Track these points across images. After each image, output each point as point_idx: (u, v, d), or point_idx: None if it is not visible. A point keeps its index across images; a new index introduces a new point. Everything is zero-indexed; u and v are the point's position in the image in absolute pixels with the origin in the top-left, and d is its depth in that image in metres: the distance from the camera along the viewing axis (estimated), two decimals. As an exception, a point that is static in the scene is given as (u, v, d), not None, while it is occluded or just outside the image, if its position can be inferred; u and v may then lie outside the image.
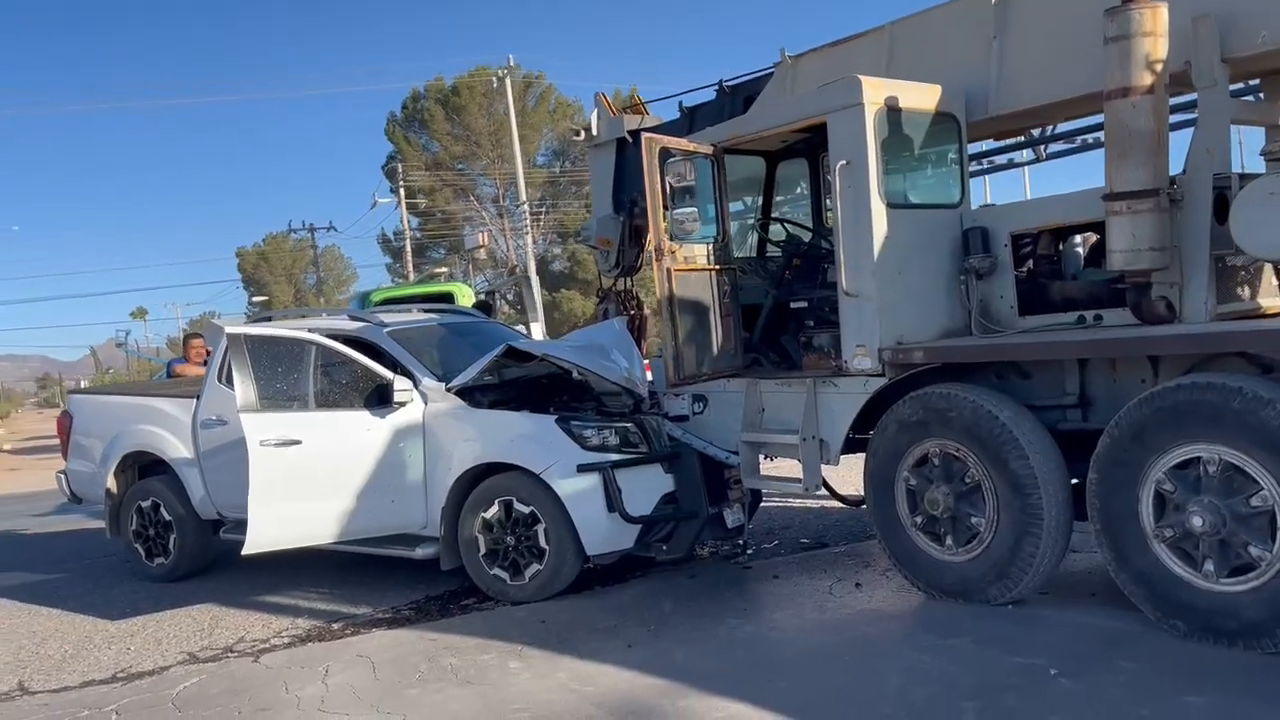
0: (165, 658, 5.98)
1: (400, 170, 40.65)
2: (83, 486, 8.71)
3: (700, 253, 6.19)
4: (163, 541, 8.04)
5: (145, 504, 8.11)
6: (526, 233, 36.01)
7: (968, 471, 5.30)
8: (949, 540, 5.44)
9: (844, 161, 5.68)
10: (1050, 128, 6.94)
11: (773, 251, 7.53)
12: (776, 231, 7.49)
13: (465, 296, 12.03)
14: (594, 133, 8.62)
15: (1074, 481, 5.14)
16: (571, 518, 6.21)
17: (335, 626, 6.33)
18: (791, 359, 6.79)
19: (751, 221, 7.45)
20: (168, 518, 7.98)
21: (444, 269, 33.95)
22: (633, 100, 9.31)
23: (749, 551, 7.12)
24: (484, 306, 11.60)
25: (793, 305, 6.51)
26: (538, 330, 13.58)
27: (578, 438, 6.33)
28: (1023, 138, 7.10)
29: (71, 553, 9.81)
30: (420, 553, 6.76)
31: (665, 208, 6.09)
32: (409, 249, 40.56)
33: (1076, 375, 5.32)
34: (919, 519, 5.55)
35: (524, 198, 34.24)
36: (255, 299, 52.31)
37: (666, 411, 6.86)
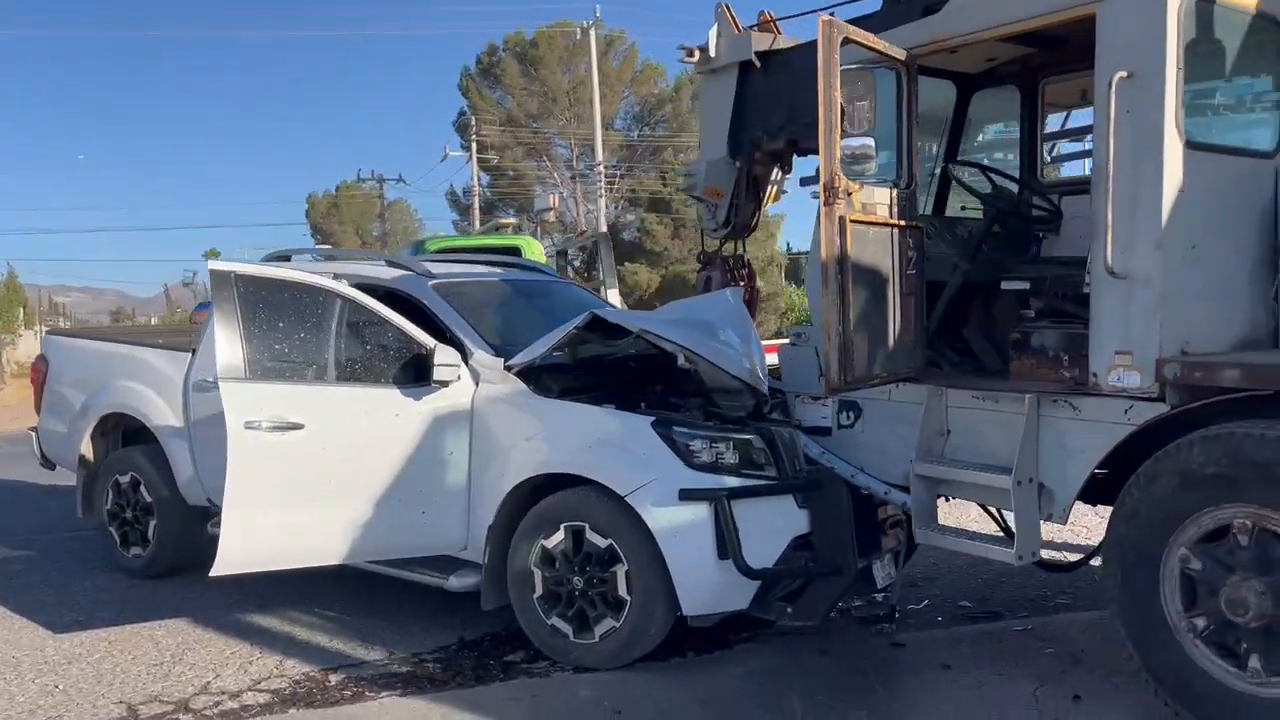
0: (95, 711, 4.32)
1: (473, 125, 39.08)
2: (56, 449, 7.10)
3: (880, 199, 4.28)
4: (141, 528, 6.41)
5: (124, 479, 6.48)
6: (600, 196, 34.11)
7: (1302, 563, 3.39)
8: (1254, 661, 3.53)
9: (1123, 74, 3.76)
10: None
11: (967, 211, 5.57)
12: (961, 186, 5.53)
13: (534, 251, 10.26)
14: (711, 53, 6.66)
15: None
16: (666, 562, 4.42)
17: (334, 680, 4.61)
18: (979, 360, 4.91)
19: (930, 167, 5.50)
20: (149, 499, 6.33)
21: (511, 221, 32.01)
22: (763, 18, 7.43)
23: (894, 619, 5.24)
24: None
25: (1004, 285, 4.59)
26: (615, 298, 11.76)
27: (682, 450, 4.50)
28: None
29: (62, 519, 8.19)
30: (455, 583, 5.02)
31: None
32: (477, 206, 38.97)
33: None
34: (1200, 621, 3.64)
35: (600, 159, 32.34)
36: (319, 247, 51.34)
37: (799, 420, 5.03)
